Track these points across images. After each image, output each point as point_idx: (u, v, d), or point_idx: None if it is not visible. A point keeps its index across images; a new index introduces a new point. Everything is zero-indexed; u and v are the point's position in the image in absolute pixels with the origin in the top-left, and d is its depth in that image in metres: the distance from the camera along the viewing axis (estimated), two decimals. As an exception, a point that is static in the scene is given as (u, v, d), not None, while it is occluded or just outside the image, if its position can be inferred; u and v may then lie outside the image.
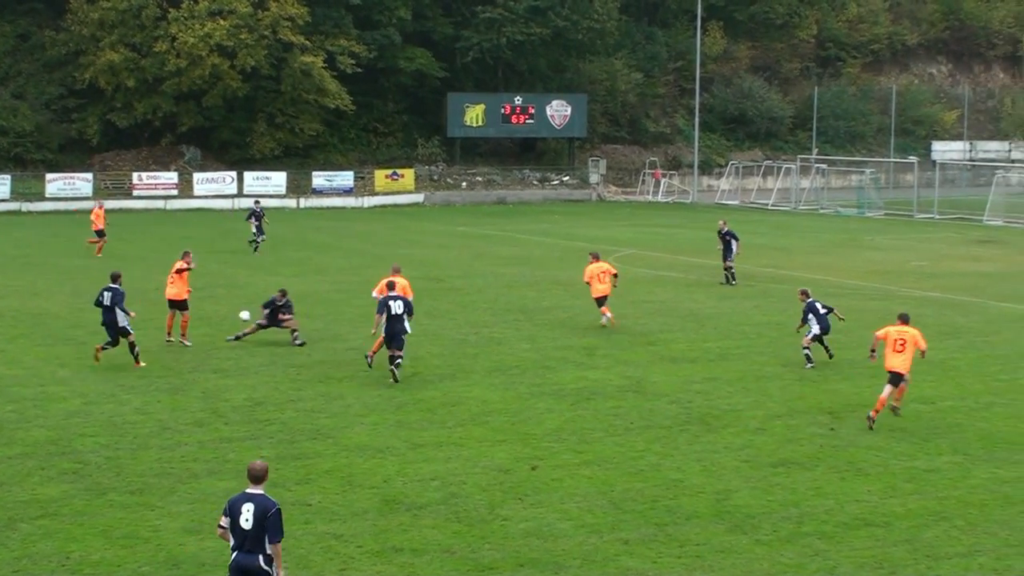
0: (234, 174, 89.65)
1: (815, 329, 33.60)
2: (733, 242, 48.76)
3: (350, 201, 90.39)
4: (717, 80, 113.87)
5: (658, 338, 37.30)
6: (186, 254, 36.85)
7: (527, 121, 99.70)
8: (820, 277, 47.99)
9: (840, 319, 34.75)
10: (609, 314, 39.19)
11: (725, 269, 48.96)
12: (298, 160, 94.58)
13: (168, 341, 35.37)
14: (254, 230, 59.45)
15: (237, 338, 35.82)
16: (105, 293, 32.78)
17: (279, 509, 15.52)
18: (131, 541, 19.75)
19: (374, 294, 33.66)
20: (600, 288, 39.09)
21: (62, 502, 21.56)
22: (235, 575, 15.53)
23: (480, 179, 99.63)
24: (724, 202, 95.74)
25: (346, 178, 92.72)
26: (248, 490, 15.62)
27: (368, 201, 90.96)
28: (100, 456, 24.24)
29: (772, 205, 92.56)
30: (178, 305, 35.59)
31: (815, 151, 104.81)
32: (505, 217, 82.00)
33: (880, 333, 27.95)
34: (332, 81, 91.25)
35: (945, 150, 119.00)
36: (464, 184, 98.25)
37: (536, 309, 42.65)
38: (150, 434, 25.88)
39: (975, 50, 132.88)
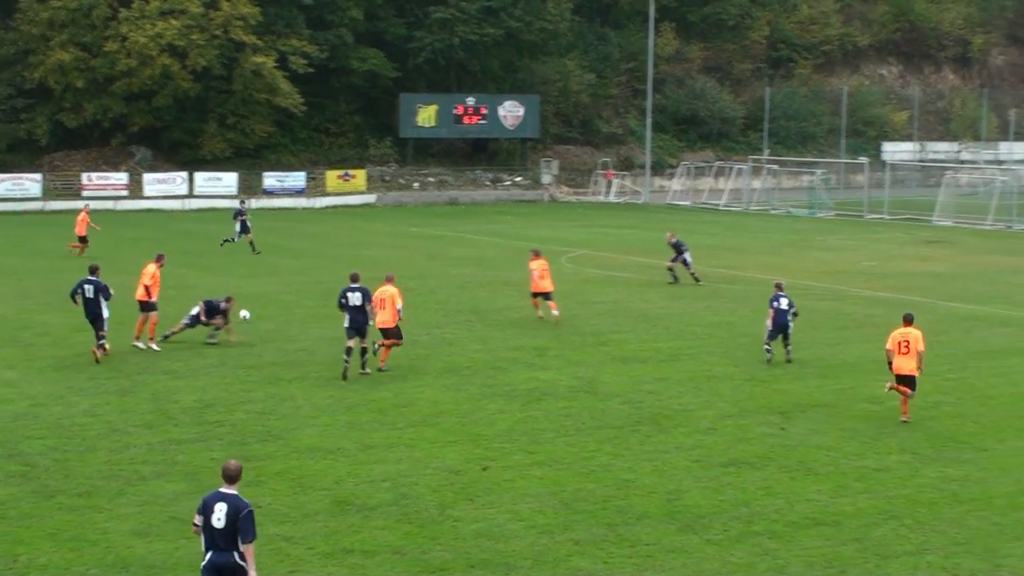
0: (185, 175, 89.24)
1: (769, 326, 34.15)
2: (685, 252, 49.10)
3: (301, 202, 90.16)
4: (669, 81, 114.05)
5: (609, 338, 37.35)
6: (160, 257, 36.62)
7: (479, 122, 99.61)
8: (771, 277, 48.01)
9: (791, 325, 34.76)
10: (556, 311, 39.63)
11: (692, 275, 49.21)
12: (249, 161, 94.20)
13: (135, 345, 35.06)
14: (238, 228, 59.44)
15: (165, 338, 35.63)
16: (86, 286, 33.15)
17: (252, 510, 15.56)
18: (79, 544, 19.64)
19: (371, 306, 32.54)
20: (543, 284, 39.73)
21: (9, 504, 21.42)
22: (210, 573, 15.57)
23: (432, 180, 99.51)
24: (676, 203, 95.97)
25: (298, 179, 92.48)
26: (222, 489, 15.66)
27: (320, 202, 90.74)
28: (48, 458, 24.10)
29: (724, 206, 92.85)
30: (148, 307, 35.22)
31: (766, 152, 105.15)
32: (457, 218, 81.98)
33: (889, 345, 27.94)
34: (284, 81, 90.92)
35: (895, 151, 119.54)
36: (416, 185, 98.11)
37: (488, 310, 42.66)
38: (99, 436, 25.74)
39: (925, 52, 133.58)
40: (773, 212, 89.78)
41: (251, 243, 59.02)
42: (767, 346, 34.10)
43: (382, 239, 66.61)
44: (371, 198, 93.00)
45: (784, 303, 34.28)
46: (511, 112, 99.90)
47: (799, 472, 23.65)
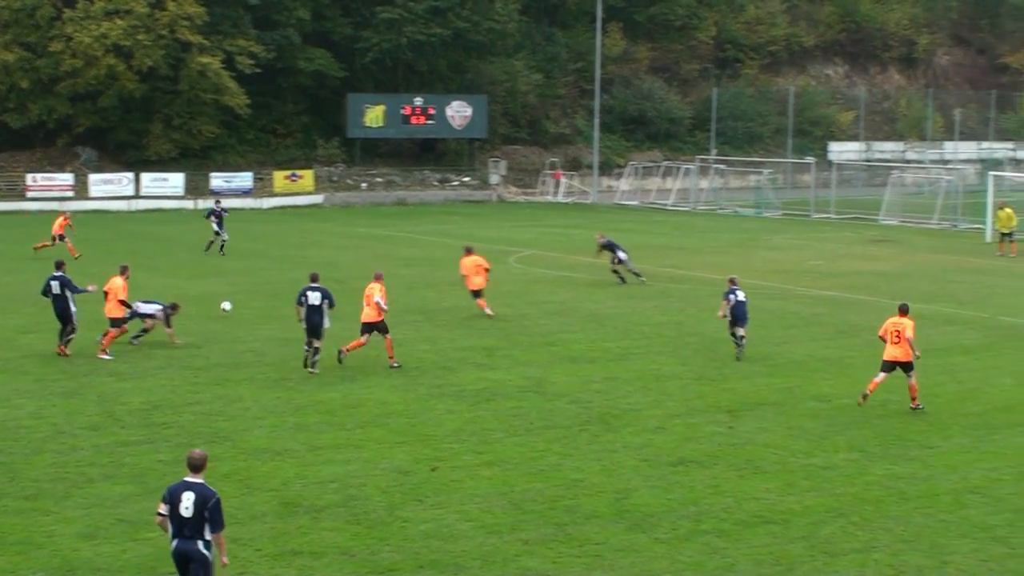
0: (131, 175, 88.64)
1: (728, 315, 35.01)
2: (619, 250, 49.21)
3: (249, 202, 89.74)
4: (617, 81, 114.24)
5: (558, 338, 37.40)
6: (124, 268, 36.13)
7: (427, 122, 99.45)
8: (719, 277, 48.23)
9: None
10: (487, 309, 40.46)
11: (613, 271, 49.32)
12: (196, 161, 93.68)
13: (102, 357, 34.30)
14: (215, 227, 59.16)
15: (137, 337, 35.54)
16: (52, 282, 33.98)
17: (219, 499, 15.92)
18: (25, 547, 19.51)
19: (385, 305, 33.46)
20: (476, 281, 40.58)
21: (-46, 508, 21.26)
22: (176, 561, 15.93)
23: (380, 180, 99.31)
24: (624, 203, 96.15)
25: (245, 179, 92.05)
26: (187, 478, 15.98)
27: (267, 202, 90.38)
28: (-7, 461, 23.95)
29: (671, 205, 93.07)
30: (121, 322, 34.71)
31: (714, 152, 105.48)
32: (405, 218, 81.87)
33: (881, 332, 28.91)
34: (230, 81, 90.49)
35: (842, 151, 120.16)
36: (364, 185, 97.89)
37: (436, 310, 42.64)
38: (45, 439, 25.58)
39: (871, 52, 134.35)
40: (720, 212, 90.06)
41: (223, 243, 58.84)
42: (734, 337, 34.87)
43: (330, 239, 66.46)
44: (319, 198, 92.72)
45: (741, 295, 35.05)
46: (459, 112, 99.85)
47: (747, 470, 23.75)
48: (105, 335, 34.33)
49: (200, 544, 15.80)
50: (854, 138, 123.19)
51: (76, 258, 53.81)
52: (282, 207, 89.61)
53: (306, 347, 32.35)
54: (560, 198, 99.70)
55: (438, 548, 19.57)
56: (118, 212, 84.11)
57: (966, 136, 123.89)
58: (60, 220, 58.84)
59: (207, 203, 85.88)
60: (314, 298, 32.07)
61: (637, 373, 32.52)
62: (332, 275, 49.68)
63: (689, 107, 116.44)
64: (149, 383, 30.82)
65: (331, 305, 32.30)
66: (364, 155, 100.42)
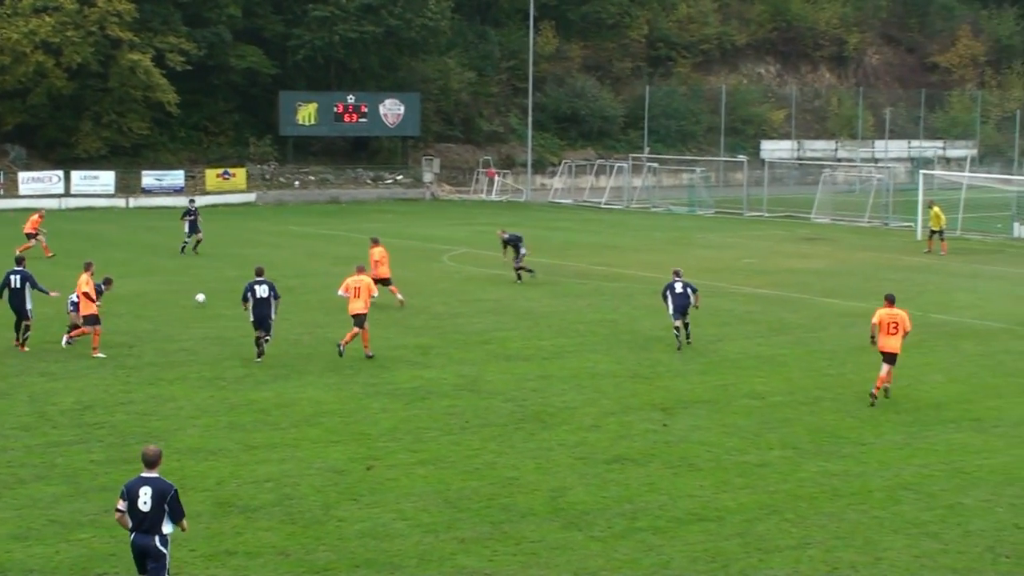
0: (61, 173, 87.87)
1: (669, 308, 35.96)
2: (521, 247, 49.35)
3: (181, 200, 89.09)
4: (550, 79, 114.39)
5: (493, 337, 37.41)
6: (88, 264, 35.63)
7: (360, 120, 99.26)
8: (652, 275, 48.42)
9: (695, 305, 36.32)
10: (399, 295, 42.48)
11: (516, 269, 49.38)
12: (127, 159, 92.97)
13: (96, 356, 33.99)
14: (187, 229, 58.56)
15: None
16: (12, 276, 34.44)
17: (177, 491, 16.46)
18: (-45, 549, 19.32)
19: (340, 292, 35.14)
20: (381, 271, 42.50)
21: None
22: (135, 553, 16.48)
23: (313, 178, 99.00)
24: (558, 201, 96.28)
25: (176, 177, 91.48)
26: (143, 474, 16.44)
27: (199, 200, 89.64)
28: (-78, 462, 23.69)
29: (605, 203, 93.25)
30: (95, 319, 34.31)
31: (647, 150, 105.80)
32: (338, 216, 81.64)
33: (875, 320, 29.91)
34: (161, 79, 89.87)
35: (774, 149, 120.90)
36: (297, 183, 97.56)
37: (370, 309, 42.46)
38: (-25, 439, 25.35)
39: (802, 51, 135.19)
40: (654, 210, 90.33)
41: (198, 243, 58.31)
42: (675, 329, 35.88)
43: (263, 238, 66.18)
44: (251, 197, 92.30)
45: (679, 287, 35.88)
46: (392, 110, 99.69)
47: (681, 468, 23.84)
48: (93, 335, 34.10)
49: (156, 539, 16.29)
50: (786, 136, 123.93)
51: (49, 257, 53.71)
52: (214, 205, 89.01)
53: (256, 344, 33.42)
54: (494, 196, 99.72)
55: (374, 547, 19.53)
56: (48, 210, 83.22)
57: (896, 135, 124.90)
58: (34, 217, 58.71)
59: (138, 201, 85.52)
60: (262, 291, 33.24)
61: (572, 371, 32.57)
62: (269, 276, 49.39)
63: (622, 105, 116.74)
64: (81, 383, 30.59)
65: (276, 297, 33.45)
66: (297, 153, 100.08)
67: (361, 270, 35.80)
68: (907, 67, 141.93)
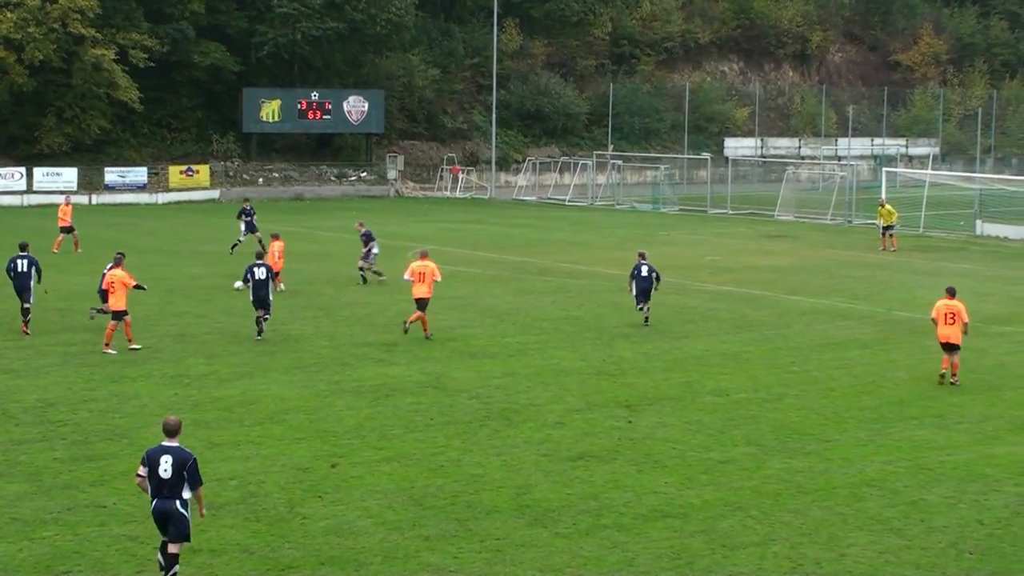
0: (23, 170, 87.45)
1: (633, 291, 39.02)
2: (372, 244, 48.42)
3: (144, 197, 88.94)
4: (514, 77, 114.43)
5: (457, 334, 37.40)
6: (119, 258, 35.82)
7: (324, 117, 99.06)
8: (617, 272, 48.46)
9: (656, 289, 39.04)
10: (282, 285, 43.17)
11: (360, 269, 48.54)
12: (90, 156, 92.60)
13: (106, 352, 33.96)
14: (243, 229, 57.36)
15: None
16: (19, 260, 36.62)
17: (195, 460, 17.54)
18: (-83, 548, 19.21)
19: (405, 277, 37.27)
20: (279, 264, 42.27)
21: None
22: (156, 518, 17.54)
23: (277, 175, 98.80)
24: (522, 198, 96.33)
25: (139, 174, 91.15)
26: (164, 443, 17.53)
27: (162, 197, 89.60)
28: None
29: (569, 201, 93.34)
30: (118, 314, 34.41)
31: (611, 147, 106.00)
32: (303, 213, 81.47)
33: (934, 313, 31.55)
34: (124, 76, 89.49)
35: (737, 147, 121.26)
36: (261, 180, 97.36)
37: (335, 306, 42.47)
38: (-64, 437, 25.20)
39: (765, 49, 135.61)
40: (618, 207, 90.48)
41: (259, 242, 57.05)
42: (639, 307, 39.07)
43: (226, 235, 65.83)
44: (215, 193, 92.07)
45: (645, 270, 38.94)
46: (355, 107, 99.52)
47: (646, 465, 23.87)
48: (125, 327, 34.34)
49: (178, 503, 17.34)
50: (749, 134, 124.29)
51: (79, 252, 55.66)
52: (177, 202, 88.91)
53: (257, 324, 35.86)
54: (458, 193, 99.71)
55: (338, 545, 19.50)
56: (10, 207, 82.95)
57: (859, 132, 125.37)
58: (64, 207, 59.22)
59: (101, 198, 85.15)
60: (260, 273, 35.82)
61: (536, 368, 32.59)
62: (227, 271, 49.30)
63: (586, 103, 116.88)
64: (44, 380, 30.45)
65: (273, 279, 36.73)
66: (260, 150, 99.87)
67: (425, 256, 37.51)
68: (870, 65, 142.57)
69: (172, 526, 17.41)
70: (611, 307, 42.30)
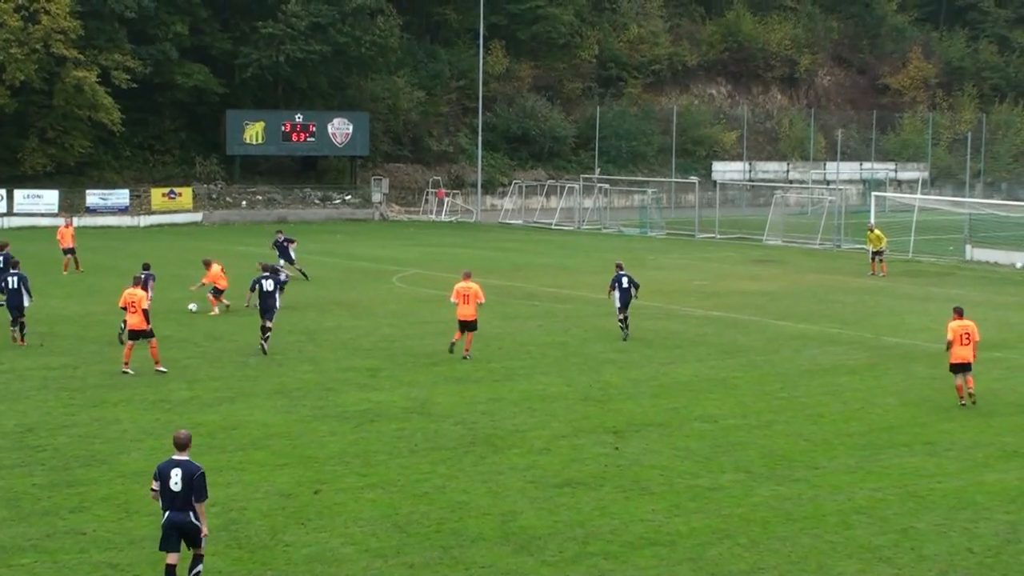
0: (3, 192, 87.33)
1: (616, 303, 40.72)
2: (290, 247, 49.86)
3: (126, 220, 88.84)
4: (500, 99, 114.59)
5: (443, 359, 37.33)
6: (139, 279, 35.95)
7: (308, 139, 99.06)
8: (603, 296, 48.40)
9: (635, 297, 40.61)
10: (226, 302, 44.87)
11: (300, 271, 50.11)
12: (71, 178, 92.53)
13: (125, 372, 34.18)
14: (280, 255, 56.28)
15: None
16: (10, 278, 38.53)
17: (203, 472, 18.31)
18: None
19: (451, 299, 38.08)
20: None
21: None
22: (169, 531, 18.17)
23: (260, 198, 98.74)
24: (508, 221, 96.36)
25: (121, 196, 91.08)
26: (175, 456, 18.36)
27: (144, 220, 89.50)
28: None
29: (555, 225, 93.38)
30: (143, 334, 34.49)
31: (597, 171, 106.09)
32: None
33: (950, 335, 31.82)
34: (106, 97, 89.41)
35: (725, 170, 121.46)
36: (244, 203, 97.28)
37: (318, 330, 42.39)
38: (-86, 463, 25.08)
39: (753, 72, 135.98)
40: (605, 231, 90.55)
41: (301, 271, 56.44)
42: (620, 321, 40.82)
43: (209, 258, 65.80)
44: (197, 216, 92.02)
45: (625, 282, 40.88)
46: (340, 129, 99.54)
47: (633, 492, 23.82)
48: (151, 350, 34.69)
49: (191, 515, 18.16)
50: (737, 158, 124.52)
51: (80, 271, 57.53)
52: (160, 225, 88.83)
53: (262, 331, 37.76)
54: (443, 217, 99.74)
55: (321, 572, 19.43)
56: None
57: (848, 156, 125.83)
58: (68, 230, 60.08)
59: (82, 220, 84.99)
60: (268, 285, 38.08)
61: (522, 394, 32.54)
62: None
63: (572, 126, 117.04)
64: (23, 405, 30.34)
65: (281, 290, 39.16)
66: (244, 172, 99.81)
67: (468, 276, 38.27)
68: (858, 88, 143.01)
69: (188, 537, 18.22)
70: (598, 332, 42.29)
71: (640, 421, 29.62)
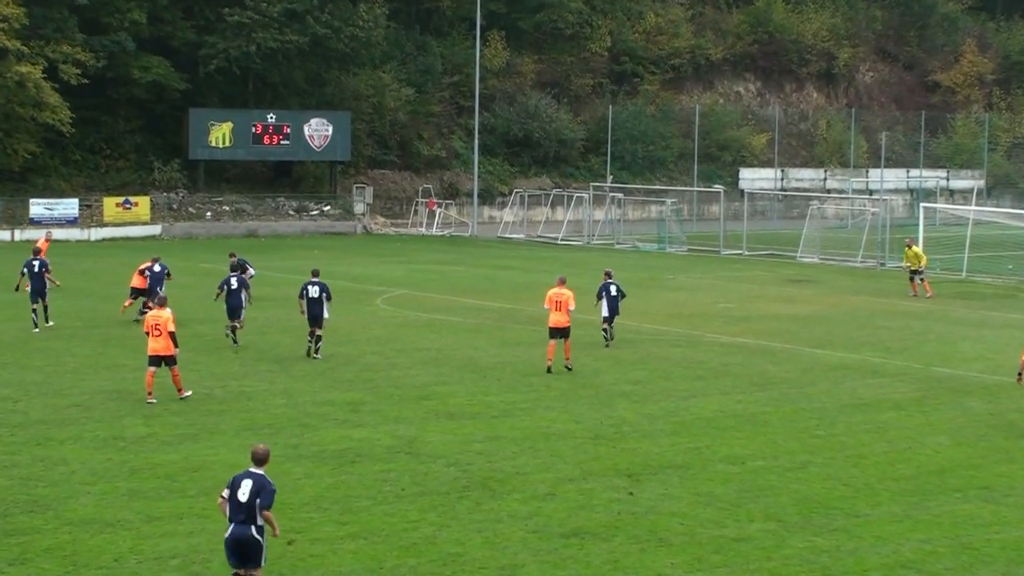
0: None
1: (604, 311, 44.55)
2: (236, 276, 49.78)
3: (75, 233, 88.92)
4: (499, 97, 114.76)
5: (433, 391, 37.32)
6: (162, 300, 36.52)
7: (282, 142, 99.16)
8: (618, 321, 48.43)
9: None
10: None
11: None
12: (13, 185, 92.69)
13: (150, 402, 34.71)
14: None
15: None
16: (35, 263, 47.48)
17: (274, 488, 20.00)
18: None
19: (545, 305, 41.48)
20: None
21: None
22: (231, 545, 19.76)
23: (227, 208, 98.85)
24: (508, 236, 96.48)
25: (70, 206, 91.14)
26: (251, 469, 20.05)
27: (96, 233, 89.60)
28: None
29: (562, 239, 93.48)
30: (166, 360, 35.09)
31: (610, 178, 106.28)
32: (257, 252, 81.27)
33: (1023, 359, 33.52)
34: (53, 94, 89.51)
35: (754, 178, 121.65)
36: (209, 214, 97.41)
37: (292, 358, 42.38)
38: None
39: (786, 67, 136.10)
40: (618, 247, 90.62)
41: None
42: (604, 329, 44.82)
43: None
44: (156, 229, 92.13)
45: (613, 290, 44.76)
46: (318, 131, 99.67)
47: (650, 543, 23.80)
48: (173, 377, 35.48)
49: (253, 529, 19.65)
50: (768, 164, 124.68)
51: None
52: (113, 239, 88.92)
53: (309, 337, 42.23)
54: (435, 231, 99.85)
55: (296, 634, 19.43)
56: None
57: (893, 163, 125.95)
58: (45, 244, 59.46)
59: (25, 234, 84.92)
60: (314, 292, 41.92)
61: (524, 431, 32.51)
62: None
63: (581, 127, 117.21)
64: (-43, 443, 30.35)
65: (328, 298, 42.19)
66: (209, 180, 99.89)
67: (563, 282, 41.53)
68: (905, 86, 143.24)
69: (247, 553, 19.70)
70: (610, 361, 42.30)
71: (657, 463, 29.60)
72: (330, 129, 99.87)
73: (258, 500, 19.61)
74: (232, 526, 19.67)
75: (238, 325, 43.77)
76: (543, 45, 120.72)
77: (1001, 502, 27.00)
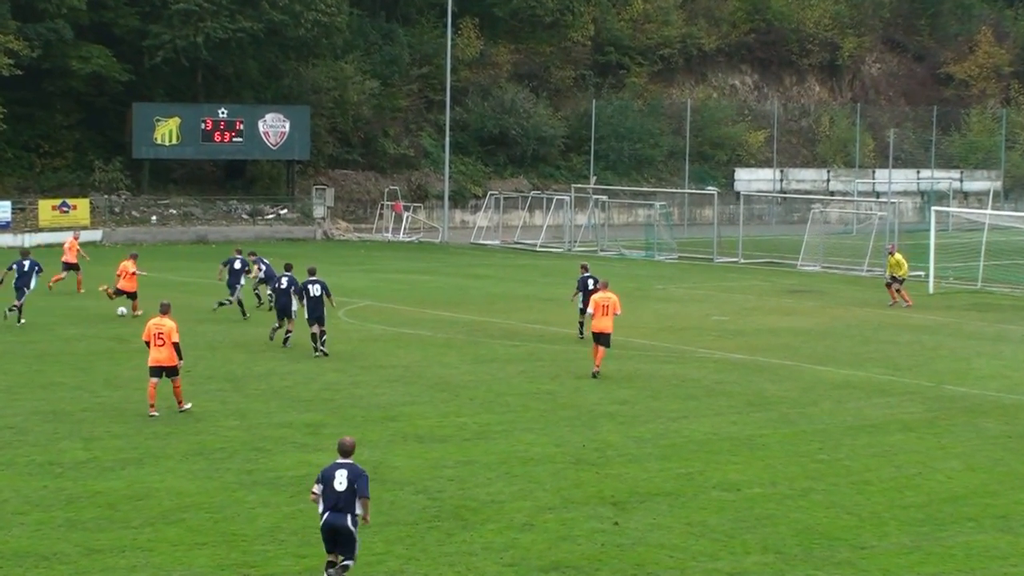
0: None
1: (580, 304, 47.99)
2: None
3: (7, 239, 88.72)
4: (472, 90, 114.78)
5: (400, 412, 37.33)
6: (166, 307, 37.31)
7: (234, 139, 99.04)
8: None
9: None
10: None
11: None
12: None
13: (152, 415, 35.48)
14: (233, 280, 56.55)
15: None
16: (24, 262, 52.23)
17: (367, 476, 22.40)
18: None
19: (588, 311, 45.00)
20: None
21: None
22: (326, 533, 22.16)
23: (175, 212, 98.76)
24: (482, 242, 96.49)
25: (2, 209, 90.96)
26: (339, 460, 22.45)
27: (30, 239, 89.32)
28: None
29: (541, 246, 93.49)
30: (168, 371, 36.17)
31: (593, 179, 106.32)
32: (206, 260, 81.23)
33: None
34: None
35: (751, 179, 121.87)
36: (154, 218, 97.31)
37: (247, 376, 42.35)
38: None
39: (786, 58, 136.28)
40: (602, 254, 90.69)
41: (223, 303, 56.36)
42: (580, 322, 48.52)
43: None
44: (96, 235, 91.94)
45: (591, 284, 47.67)
46: (274, 128, 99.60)
47: (637, 578, 23.84)
48: (174, 389, 36.48)
49: (349, 519, 21.93)
50: (766, 164, 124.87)
51: (80, 292, 60.83)
52: (49, 245, 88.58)
53: (312, 338, 45.33)
54: (402, 236, 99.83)
55: None
56: None
57: (902, 162, 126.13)
58: (71, 242, 65.18)
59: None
60: (315, 291, 45.55)
61: (500, 456, 32.53)
62: (110, 332, 49.26)
63: (562, 124, 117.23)
64: None
65: (329, 295, 45.96)
66: (154, 181, 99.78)
67: (606, 286, 44.50)
68: (915, 79, 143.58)
69: (341, 544, 22.08)
70: (592, 380, 42.31)
71: (645, 490, 29.63)
72: (287, 125, 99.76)
73: (356, 489, 21.81)
74: (327, 514, 21.93)
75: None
76: (520, 34, 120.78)
77: (1019, 532, 27.08)
